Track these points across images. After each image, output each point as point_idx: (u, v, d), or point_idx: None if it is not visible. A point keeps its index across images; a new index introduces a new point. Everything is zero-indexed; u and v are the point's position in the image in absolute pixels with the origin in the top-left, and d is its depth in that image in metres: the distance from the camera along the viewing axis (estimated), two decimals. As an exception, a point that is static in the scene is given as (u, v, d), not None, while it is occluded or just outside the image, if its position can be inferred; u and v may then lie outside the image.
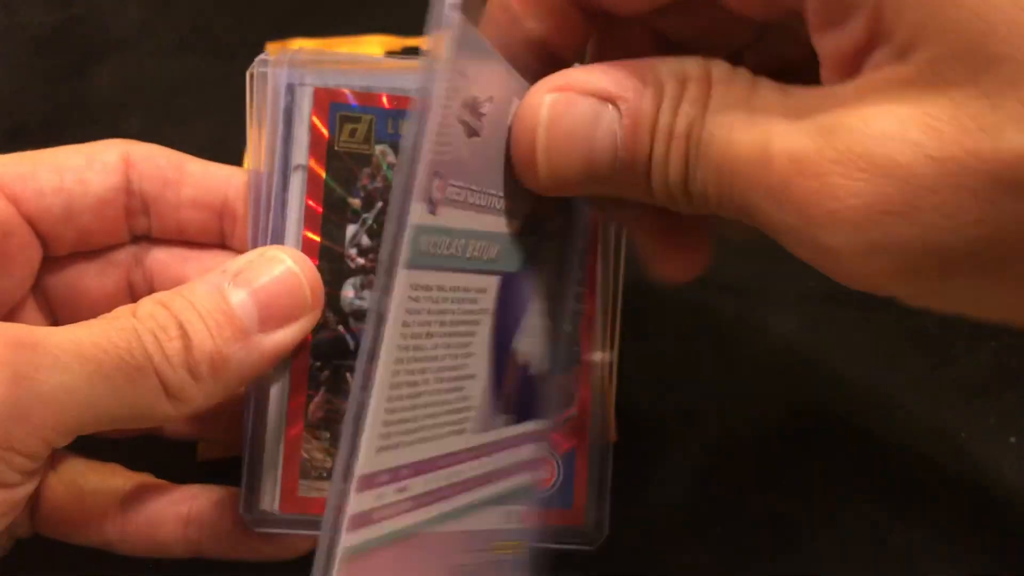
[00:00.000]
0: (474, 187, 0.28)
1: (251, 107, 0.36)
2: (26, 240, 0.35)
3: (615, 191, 0.29)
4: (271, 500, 0.34)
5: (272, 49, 0.53)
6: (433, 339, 0.27)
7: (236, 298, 0.32)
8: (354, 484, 0.25)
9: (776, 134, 0.26)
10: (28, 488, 0.31)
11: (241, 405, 0.35)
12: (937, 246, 0.24)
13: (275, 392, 0.34)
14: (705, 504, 0.41)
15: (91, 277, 0.37)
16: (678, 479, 0.37)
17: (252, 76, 0.35)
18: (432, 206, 0.26)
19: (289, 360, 0.34)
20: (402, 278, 0.25)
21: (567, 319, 0.34)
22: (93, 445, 0.38)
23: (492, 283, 0.30)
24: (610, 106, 0.28)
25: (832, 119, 0.25)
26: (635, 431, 0.41)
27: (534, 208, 0.32)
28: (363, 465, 0.25)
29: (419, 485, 0.28)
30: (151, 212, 0.37)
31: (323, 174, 0.35)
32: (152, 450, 0.39)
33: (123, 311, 0.31)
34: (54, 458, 0.37)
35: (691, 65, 0.28)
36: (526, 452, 0.33)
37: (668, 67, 0.28)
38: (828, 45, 0.26)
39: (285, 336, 0.32)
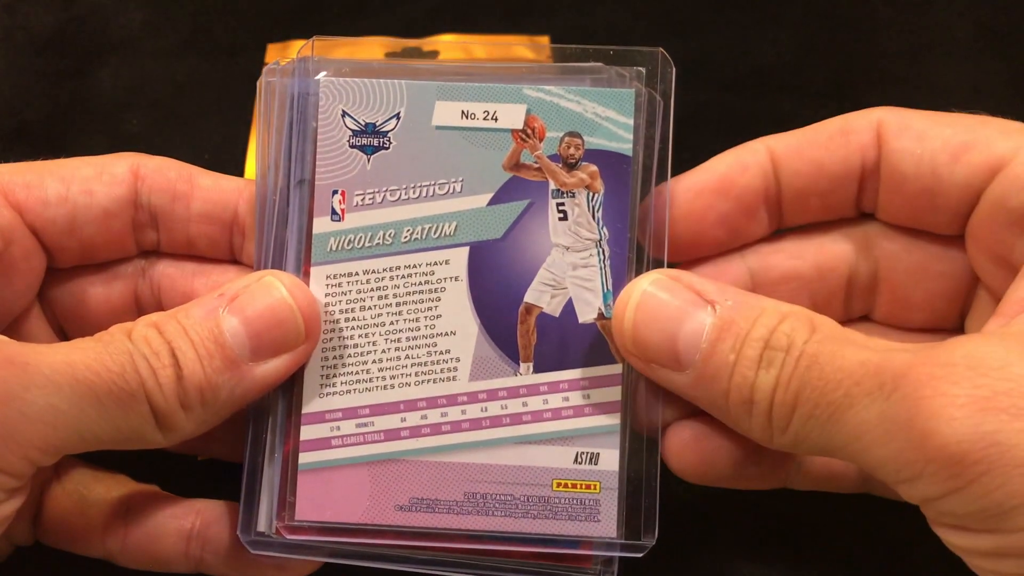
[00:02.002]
0: (392, 186, 0.35)
1: (259, 118, 0.35)
2: (29, 249, 0.35)
3: (693, 391, 0.32)
4: (268, 522, 0.34)
5: (273, 50, 0.53)
6: (372, 310, 0.35)
7: (228, 326, 0.32)
8: (302, 419, 0.34)
9: (891, 353, 0.28)
10: (12, 505, 0.31)
11: (238, 422, 0.35)
12: None
13: (272, 415, 0.34)
14: (704, 506, 0.41)
15: (98, 290, 0.37)
16: (677, 481, 0.37)
17: (261, 87, 0.35)
18: (337, 216, 0.35)
19: (286, 383, 0.34)
20: (315, 273, 0.34)
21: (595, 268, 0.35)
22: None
23: (457, 254, 0.35)
24: (708, 307, 0.31)
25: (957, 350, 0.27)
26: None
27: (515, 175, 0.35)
28: (306, 406, 0.34)
29: (387, 421, 0.34)
30: (160, 226, 0.36)
31: None
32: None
33: (118, 332, 0.31)
34: (59, 467, 0.36)
35: (795, 308, 0.31)
36: (571, 398, 0.35)
37: (773, 302, 0.31)
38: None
39: (277, 366, 0.32)
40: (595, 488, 0.34)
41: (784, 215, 0.36)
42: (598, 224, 0.35)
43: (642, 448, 0.35)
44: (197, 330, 0.31)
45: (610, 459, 0.34)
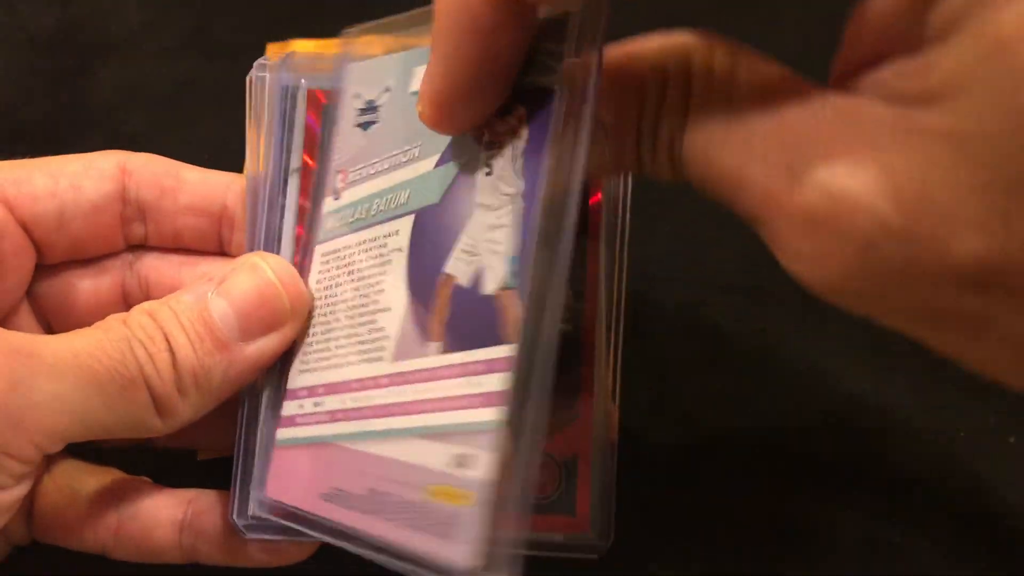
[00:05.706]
0: (375, 159, 0.33)
1: (250, 111, 0.36)
2: (19, 244, 0.35)
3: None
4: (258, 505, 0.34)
5: (273, 50, 0.53)
6: (342, 286, 0.33)
7: (217, 308, 0.32)
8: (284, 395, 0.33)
9: (749, 162, 0.25)
10: (20, 491, 0.31)
11: (232, 412, 0.35)
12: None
13: (265, 396, 0.35)
14: (706, 505, 0.41)
15: (85, 285, 0.37)
16: (678, 481, 0.37)
17: (251, 81, 0.36)
18: (337, 194, 0.34)
19: (279, 365, 0.34)
20: (315, 252, 0.34)
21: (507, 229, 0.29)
22: (92, 447, 0.38)
23: (405, 223, 0.32)
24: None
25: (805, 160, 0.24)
26: (635, 432, 0.41)
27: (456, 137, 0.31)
28: (289, 383, 0.34)
29: (333, 402, 0.32)
30: (148, 220, 0.37)
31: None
32: (154, 449, 0.39)
33: (114, 321, 0.32)
34: (49, 461, 0.37)
35: (673, 59, 0.28)
36: (460, 385, 0.28)
37: (652, 61, 0.28)
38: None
39: (267, 345, 0.33)
40: (468, 499, 0.26)
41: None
42: (517, 176, 0.29)
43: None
44: (187, 315, 0.32)
45: (486, 464, 0.26)
